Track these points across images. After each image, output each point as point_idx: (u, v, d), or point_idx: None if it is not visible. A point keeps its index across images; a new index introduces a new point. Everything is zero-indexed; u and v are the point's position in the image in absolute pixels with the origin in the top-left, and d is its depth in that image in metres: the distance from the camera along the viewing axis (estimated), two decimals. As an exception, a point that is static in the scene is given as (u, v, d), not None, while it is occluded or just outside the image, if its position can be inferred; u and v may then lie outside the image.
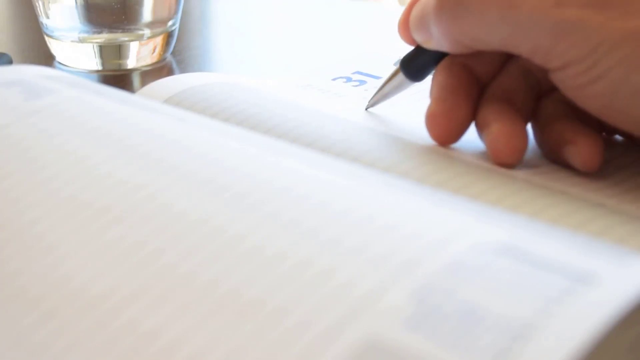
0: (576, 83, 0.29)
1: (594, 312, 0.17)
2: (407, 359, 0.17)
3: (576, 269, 0.18)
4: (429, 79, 0.34)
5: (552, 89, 0.31)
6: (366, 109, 0.36)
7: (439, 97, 0.32)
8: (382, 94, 0.36)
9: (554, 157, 0.31)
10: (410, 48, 0.34)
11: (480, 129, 0.31)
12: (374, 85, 0.42)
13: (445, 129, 0.31)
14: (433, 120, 0.32)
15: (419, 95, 0.38)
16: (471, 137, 0.32)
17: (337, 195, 0.22)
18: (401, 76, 0.34)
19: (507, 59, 0.33)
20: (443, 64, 0.33)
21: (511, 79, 0.32)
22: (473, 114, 0.32)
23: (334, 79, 0.43)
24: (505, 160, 0.30)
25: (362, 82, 0.42)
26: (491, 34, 0.30)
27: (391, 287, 0.18)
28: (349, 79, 0.43)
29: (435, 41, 0.32)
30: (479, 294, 0.18)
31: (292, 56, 0.51)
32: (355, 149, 0.31)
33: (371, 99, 0.36)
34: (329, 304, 0.18)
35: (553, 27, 0.28)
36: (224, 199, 0.22)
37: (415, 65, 0.34)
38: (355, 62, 0.46)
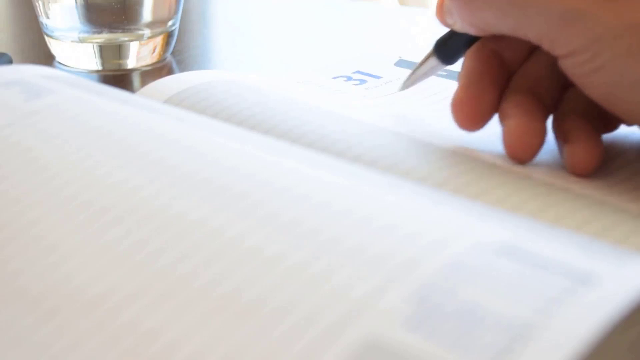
0: (581, 71, 0.29)
1: (594, 313, 0.17)
2: (407, 359, 0.17)
3: (576, 269, 0.18)
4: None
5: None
6: (400, 90, 0.36)
7: (466, 83, 0.32)
8: (415, 76, 0.36)
9: (560, 152, 0.31)
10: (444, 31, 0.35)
11: (500, 121, 0.32)
12: (374, 85, 0.42)
13: (470, 115, 0.32)
14: (458, 105, 0.32)
15: (424, 93, 0.38)
16: (476, 135, 0.32)
17: (337, 195, 0.22)
18: (434, 59, 0.35)
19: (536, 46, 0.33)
20: (473, 48, 0.33)
21: (538, 67, 0.32)
22: (499, 101, 0.32)
23: (334, 78, 0.43)
24: (517, 156, 0.30)
25: (362, 82, 0.42)
26: (500, 19, 0.30)
27: (391, 287, 0.18)
28: (349, 78, 0.43)
29: (459, 24, 0.32)
30: (479, 294, 0.18)
31: (292, 56, 0.51)
32: (355, 148, 0.31)
33: (405, 80, 0.36)
34: (329, 304, 0.18)
35: (559, 15, 0.28)
36: (224, 199, 0.22)
37: (448, 47, 0.34)
38: (355, 61, 0.46)
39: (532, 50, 0.33)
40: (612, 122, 0.32)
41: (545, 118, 0.32)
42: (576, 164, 0.30)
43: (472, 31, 0.32)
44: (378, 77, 0.43)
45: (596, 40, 0.28)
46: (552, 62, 0.32)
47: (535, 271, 0.18)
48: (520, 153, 0.30)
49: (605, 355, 0.17)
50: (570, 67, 0.29)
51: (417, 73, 0.36)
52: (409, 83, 0.36)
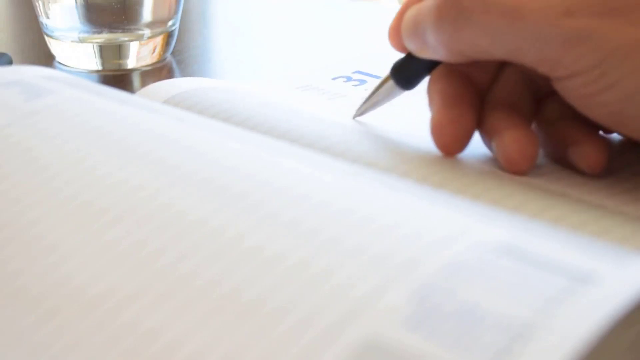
0: (583, 92, 0.28)
1: (594, 312, 0.17)
2: (406, 359, 0.17)
3: (576, 268, 0.18)
4: (419, 87, 0.33)
5: (553, 92, 0.31)
6: (354, 118, 0.35)
7: (443, 106, 0.31)
8: (370, 103, 0.34)
9: (557, 158, 0.31)
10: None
11: (489, 137, 0.31)
12: (374, 85, 0.42)
13: (452, 138, 0.31)
14: (439, 129, 0.31)
15: (419, 87, 0.38)
16: (475, 136, 0.32)
17: (337, 195, 0.22)
18: (391, 84, 0.33)
19: (503, 64, 0.32)
20: (439, 71, 0.32)
21: (511, 85, 0.32)
22: (477, 122, 0.31)
23: (334, 79, 0.43)
24: (519, 168, 0.30)
25: (362, 82, 0.42)
26: (495, 44, 0.29)
27: (391, 287, 0.18)
28: (349, 79, 0.43)
29: (431, 50, 0.31)
30: (479, 294, 0.18)
31: (292, 56, 0.51)
32: (354, 150, 0.31)
33: (359, 107, 0.35)
34: (328, 303, 0.18)
35: (562, 37, 0.27)
36: (224, 199, 0.22)
37: (406, 73, 0.33)
38: (355, 61, 0.46)
39: (500, 69, 0.32)
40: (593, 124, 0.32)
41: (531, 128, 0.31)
42: (591, 164, 0.29)
43: (449, 58, 0.31)
44: (378, 77, 0.43)
45: (603, 60, 0.27)
46: (524, 79, 0.32)
47: (535, 271, 0.18)
48: (521, 165, 0.30)
49: (605, 355, 0.17)
50: (571, 88, 0.29)
51: (372, 99, 0.34)
52: (364, 109, 0.35)
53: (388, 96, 0.34)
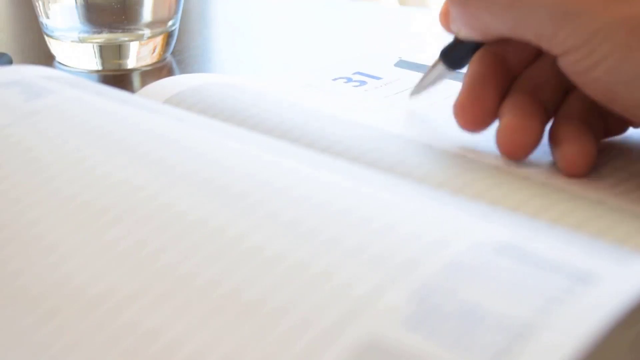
0: (578, 69, 0.29)
1: (594, 312, 0.17)
2: (406, 359, 0.17)
3: (576, 268, 0.18)
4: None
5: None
6: (410, 97, 0.37)
7: (469, 86, 0.32)
8: (424, 83, 0.36)
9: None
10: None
11: (499, 119, 0.32)
12: (374, 86, 0.42)
13: (472, 118, 0.32)
14: (460, 108, 0.32)
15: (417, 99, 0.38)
16: (475, 136, 0.32)
17: (337, 195, 0.22)
18: (441, 66, 0.35)
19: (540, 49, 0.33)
20: (478, 53, 0.33)
21: (541, 71, 0.32)
22: (499, 104, 0.32)
23: (334, 79, 0.43)
24: (509, 153, 0.31)
25: (362, 83, 0.42)
26: (497, 21, 0.30)
27: (391, 287, 0.18)
28: (349, 80, 0.43)
29: (463, 31, 0.33)
30: (479, 294, 0.18)
31: (292, 56, 0.51)
32: (355, 149, 0.31)
33: (414, 88, 0.37)
34: (328, 304, 0.18)
35: (554, 14, 0.28)
36: (224, 199, 0.22)
37: (454, 54, 0.35)
38: (355, 62, 0.46)
39: (537, 54, 0.33)
40: (616, 126, 0.32)
41: (544, 119, 0.32)
42: (567, 165, 0.30)
43: (474, 35, 0.32)
44: (378, 78, 0.43)
45: (592, 36, 0.28)
46: (554, 66, 0.32)
47: (535, 271, 0.18)
48: (512, 150, 0.30)
49: (606, 355, 0.17)
50: (569, 65, 0.29)
51: (425, 80, 0.36)
52: (418, 90, 0.37)
53: (439, 77, 0.36)
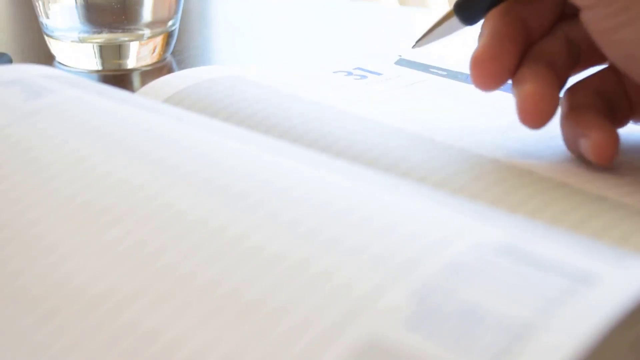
0: (603, 26, 0.28)
1: (595, 313, 0.17)
2: (406, 359, 0.17)
3: (576, 269, 0.18)
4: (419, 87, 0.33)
5: (587, 63, 0.31)
6: (413, 47, 0.36)
7: (488, 42, 0.31)
8: (431, 35, 0.35)
9: (570, 148, 0.31)
10: None
11: (515, 85, 0.31)
12: (374, 80, 0.42)
13: (488, 73, 0.31)
14: (479, 63, 0.31)
15: (420, 85, 0.38)
16: (476, 133, 0.32)
17: (337, 195, 0.22)
18: (453, 19, 0.34)
19: (558, 18, 0.32)
20: (497, 10, 0.32)
21: (556, 43, 0.32)
22: (516, 65, 0.31)
23: (335, 72, 0.43)
24: (530, 122, 0.30)
25: (363, 77, 0.42)
26: None
27: (391, 287, 0.18)
28: (349, 73, 0.43)
29: None
30: (479, 294, 0.18)
31: (292, 56, 0.51)
32: (356, 146, 0.31)
33: (419, 38, 0.36)
34: (329, 304, 0.18)
35: None
36: (224, 199, 0.22)
37: (470, 7, 0.33)
38: (356, 59, 0.46)
39: (555, 22, 0.32)
40: (620, 118, 0.32)
41: (559, 90, 0.31)
42: (598, 155, 0.29)
43: None
44: (379, 74, 0.43)
45: None
46: (569, 41, 0.32)
47: (535, 271, 0.18)
48: (533, 119, 0.30)
49: (606, 356, 0.17)
50: (593, 20, 0.28)
51: (434, 32, 0.35)
52: (425, 40, 0.35)
53: (448, 30, 0.34)
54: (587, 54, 0.31)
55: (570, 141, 0.31)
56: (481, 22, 0.33)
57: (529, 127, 0.30)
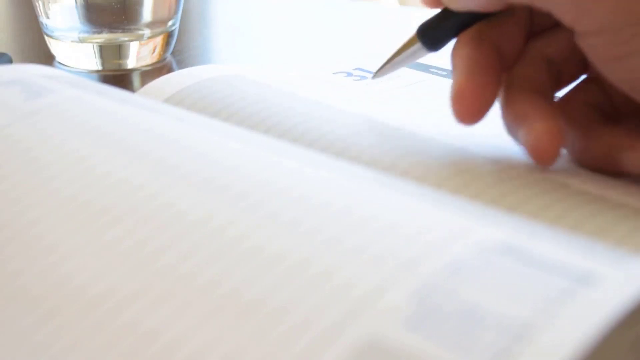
0: (610, 53, 0.26)
1: (595, 313, 0.17)
2: (407, 359, 0.17)
3: (576, 269, 0.18)
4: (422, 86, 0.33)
5: (571, 80, 0.30)
6: (373, 78, 0.34)
7: (467, 73, 0.30)
8: (394, 63, 0.33)
9: (601, 165, 0.29)
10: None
11: (516, 123, 0.29)
12: (374, 81, 0.42)
13: (472, 107, 0.29)
14: (460, 96, 0.29)
15: (420, 85, 0.38)
16: (476, 133, 0.32)
17: (337, 195, 0.22)
18: (417, 45, 0.32)
19: (529, 42, 0.31)
20: (467, 36, 0.31)
21: (534, 67, 0.30)
22: (497, 93, 0.30)
23: (334, 73, 0.43)
24: (547, 160, 0.28)
25: (362, 77, 0.43)
26: None
27: (391, 287, 0.18)
28: (349, 74, 0.43)
29: (463, 1, 0.30)
30: (479, 294, 0.18)
31: (292, 56, 0.51)
32: (356, 147, 0.31)
33: (380, 67, 0.34)
34: (329, 304, 0.18)
35: None
36: (224, 199, 0.22)
37: (434, 32, 0.32)
38: (356, 59, 0.46)
39: (526, 40, 0.31)
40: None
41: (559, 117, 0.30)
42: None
43: (480, 4, 0.29)
44: (379, 75, 0.43)
45: (637, 16, 0.25)
46: (547, 62, 0.31)
47: (535, 271, 0.18)
48: (550, 157, 0.28)
49: (606, 356, 0.17)
50: (597, 46, 0.27)
51: (396, 59, 0.33)
52: (384, 70, 0.34)
53: (412, 57, 0.33)
54: (567, 70, 0.30)
55: (601, 159, 0.29)
56: (448, 46, 0.32)
57: (544, 165, 0.28)
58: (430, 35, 0.32)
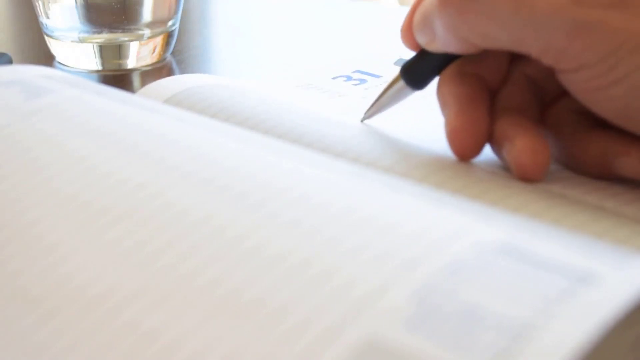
0: (590, 86, 0.27)
1: (594, 313, 0.17)
2: (407, 359, 0.17)
3: (576, 269, 0.18)
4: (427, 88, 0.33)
5: (555, 99, 0.31)
6: (362, 121, 0.34)
7: (459, 110, 0.30)
8: (380, 104, 0.34)
9: (596, 171, 0.30)
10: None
11: (498, 144, 0.30)
12: (374, 84, 0.42)
13: (469, 143, 0.30)
14: (455, 135, 0.30)
15: (424, 93, 0.38)
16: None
17: (337, 195, 0.22)
18: (401, 84, 0.33)
19: (510, 65, 0.32)
20: (451, 71, 0.31)
21: (519, 89, 0.31)
22: (491, 125, 0.30)
23: (334, 78, 0.43)
24: (532, 175, 0.29)
25: (362, 81, 0.43)
26: (500, 31, 0.28)
27: (391, 287, 0.18)
28: (349, 78, 0.43)
29: (441, 41, 0.30)
30: (479, 294, 0.18)
31: (292, 56, 0.51)
32: (354, 150, 0.31)
33: (368, 109, 0.34)
34: (329, 304, 0.18)
35: (570, 26, 0.26)
36: (224, 199, 0.22)
37: (417, 72, 0.32)
38: (355, 61, 0.46)
39: (507, 70, 0.31)
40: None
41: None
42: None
43: (457, 47, 0.30)
44: (378, 77, 0.43)
45: (612, 53, 0.26)
46: (530, 83, 0.31)
47: (535, 271, 0.18)
48: (534, 172, 0.28)
49: (606, 356, 0.17)
50: (578, 81, 0.28)
51: (381, 100, 0.33)
52: (371, 112, 0.34)
53: (397, 97, 0.33)
54: (550, 88, 0.30)
55: (597, 164, 0.30)
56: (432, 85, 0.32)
57: (529, 181, 0.29)
58: (413, 74, 0.32)
